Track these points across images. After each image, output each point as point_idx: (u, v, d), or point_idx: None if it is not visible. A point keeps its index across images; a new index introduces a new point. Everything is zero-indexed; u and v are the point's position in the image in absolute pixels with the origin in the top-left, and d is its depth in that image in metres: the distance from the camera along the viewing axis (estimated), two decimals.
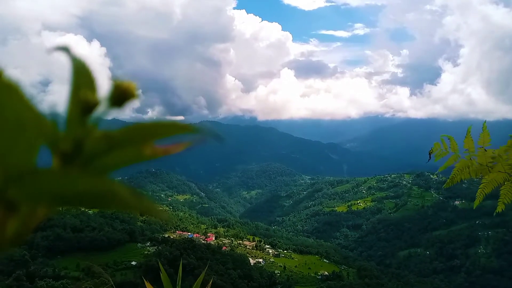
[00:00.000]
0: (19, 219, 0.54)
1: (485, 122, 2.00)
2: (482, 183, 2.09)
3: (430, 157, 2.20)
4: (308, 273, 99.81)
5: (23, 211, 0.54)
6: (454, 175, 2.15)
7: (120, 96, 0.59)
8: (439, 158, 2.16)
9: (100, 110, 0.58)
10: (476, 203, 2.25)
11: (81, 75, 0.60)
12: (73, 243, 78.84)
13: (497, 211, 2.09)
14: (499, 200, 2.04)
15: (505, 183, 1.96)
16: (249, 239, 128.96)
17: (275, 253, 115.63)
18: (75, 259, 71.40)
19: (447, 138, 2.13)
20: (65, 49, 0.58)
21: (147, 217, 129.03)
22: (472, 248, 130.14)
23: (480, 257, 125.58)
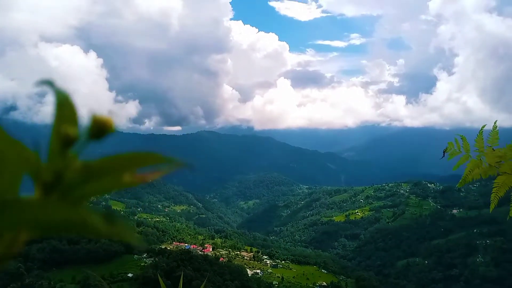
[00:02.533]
0: (1, 245, 0.58)
1: (495, 121, 2.09)
2: (494, 186, 2.10)
3: (444, 154, 2.23)
4: (306, 283, 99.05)
5: (5, 237, 0.58)
6: (466, 175, 2.18)
7: (99, 130, 0.67)
8: (452, 157, 2.21)
9: (80, 142, 0.66)
10: (492, 207, 2.25)
11: (64, 108, 0.65)
12: (69, 255, 78.10)
13: (510, 216, 2.12)
14: (511, 205, 2.07)
15: None
16: (246, 249, 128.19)
17: (273, 263, 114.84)
18: (71, 271, 70.62)
19: (460, 138, 2.18)
20: (49, 83, 0.64)
21: (143, 229, 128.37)
22: (470, 257, 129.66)
23: (478, 266, 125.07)
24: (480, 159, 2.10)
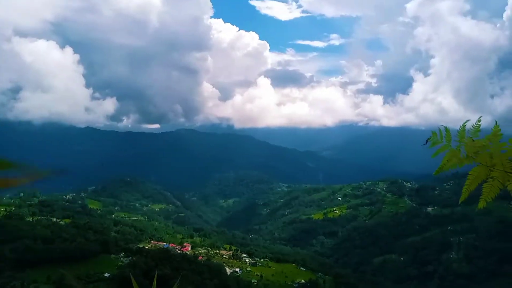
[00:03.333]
0: None
1: (480, 116, 2.20)
2: (469, 178, 2.16)
3: (426, 142, 2.31)
4: (285, 281, 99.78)
5: None
6: (443, 164, 2.26)
7: None
8: (434, 145, 2.28)
9: None
10: (462, 198, 2.34)
11: None
12: (43, 254, 76.27)
13: (478, 208, 2.13)
14: (481, 197, 2.09)
15: (488, 179, 2.05)
16: (225, 248, 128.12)
17: (252, 262, 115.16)
18: (45, 271, 68.98)
19: (444, 128, 2.27)
20: None
21: (120, 228, 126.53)
22: (444, 253, 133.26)
23: (452, 262, 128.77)
24: (459, 149, 2.19)
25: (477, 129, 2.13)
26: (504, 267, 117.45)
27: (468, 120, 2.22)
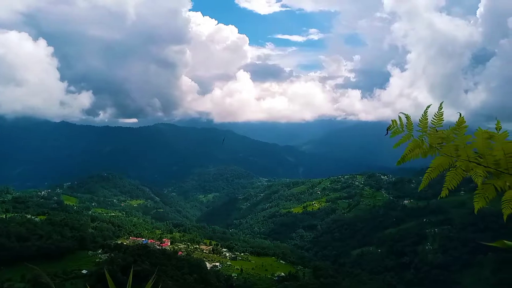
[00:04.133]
0: None
1: (442, 102, 2.13)
2: (429, 167, 2.14)
3: (387, 132, 2.27)
4: (265, 274, 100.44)
5: None
6: (405, 154, 2.21)
7: None
8: (395, 135, 2.24)
9: None
10: (421, 186, 2.32)
11: None
12: (18, 252, 74.26)
13: (441, 196, 2.13)
14: (443, 186, 2.07)
15: (451, 169, 2.04)
16: (205, 243, 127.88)
17: (232, 256, 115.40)
18: (20, 269, 67.16)
19: (404, 116, 2.21)
20: None
21: (97, 224, 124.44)
22: (420, 245, 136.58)
23: (427, 253, 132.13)
24: (422, 139, 2.14)
25: (439, 118, 2.09)
26: (477, 256, 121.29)
27: (430, 105, 2.17)
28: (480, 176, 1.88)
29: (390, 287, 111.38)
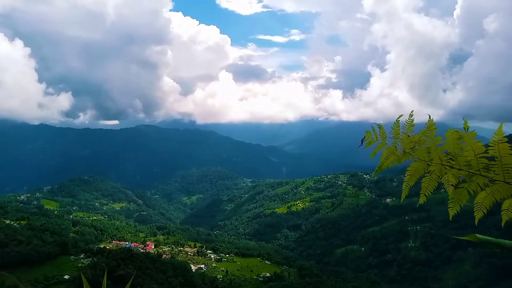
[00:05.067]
0: None
1: (412, 111, 2.12)
2: (407, 175, 2.15)
3: (362, 143, 2.29)
4: (250, 275, 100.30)
5: None
6: (381, 163, 2.23)
7: None
8: (369, 145, 2.25)
9: None
10: (403, 196, 2.31)
11: None
12: None
13: (419, 203, 2.22)
14: (420, 192, 2.08)
15: (426, 175, 2.04)
16: (190, 245, 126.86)
17: (217, 258, 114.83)
18: None
19: (377, 126, 2.22)
20: None
21: (79, 228, 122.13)
22: (402, 242, 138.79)
23: (410, 250, 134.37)
24: (396, 146, 2.14)
25: (410, 124, 2.08)
26: (457, 252, 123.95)
27: (401, 115, 2.15)
28: (452, 185, 1.87)
29: (374, 285, 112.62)
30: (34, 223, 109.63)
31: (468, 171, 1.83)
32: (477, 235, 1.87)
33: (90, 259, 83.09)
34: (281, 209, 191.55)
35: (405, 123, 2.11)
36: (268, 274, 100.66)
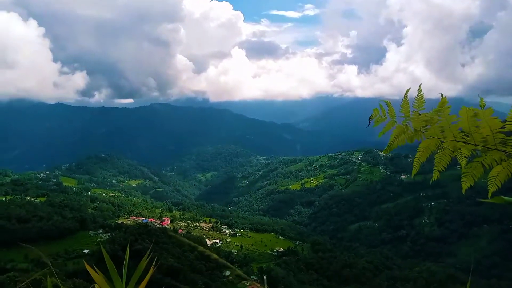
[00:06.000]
0: None
1: (420, 85, 2.05)
2: (418, 151, 2.11)
3: (369, 122, 2.23)
4: (264, 250, 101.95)
5: None
6: (391, 142, 2.18)
7: None
8: (377, 124, 2.20)
9: None
10: (413, 172, 2.26)
11: None
12: (19, 234, 74.73)
13: (432, 180, 2.14)
14: (434, 168, 2.03)
15: (438, 150, 1.99)
16: (205, 221, 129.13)
17: (232, 233, 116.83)
18: (22, 250, 67.80)
19: (385, 104, 2.17)
20: None
21: (97, 204, 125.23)
22: (416, 218, 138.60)
23: (424, 226, 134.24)
24: (406, 124, 2.09)
25: (420, 101, 2.02)
26: (472, 229, 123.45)
27: (409, 89, 2.09)
28: (465, 157, 1.84)
29: (387, 260, 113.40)
30: (53, 200, 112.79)
31: (485, 146, 1.80)
32: (503, 197, 1.78)
33: (108, 234, 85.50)
34: (295, 186, 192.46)
35: (415, 101, 2.04)
36: (281, 249, 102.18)
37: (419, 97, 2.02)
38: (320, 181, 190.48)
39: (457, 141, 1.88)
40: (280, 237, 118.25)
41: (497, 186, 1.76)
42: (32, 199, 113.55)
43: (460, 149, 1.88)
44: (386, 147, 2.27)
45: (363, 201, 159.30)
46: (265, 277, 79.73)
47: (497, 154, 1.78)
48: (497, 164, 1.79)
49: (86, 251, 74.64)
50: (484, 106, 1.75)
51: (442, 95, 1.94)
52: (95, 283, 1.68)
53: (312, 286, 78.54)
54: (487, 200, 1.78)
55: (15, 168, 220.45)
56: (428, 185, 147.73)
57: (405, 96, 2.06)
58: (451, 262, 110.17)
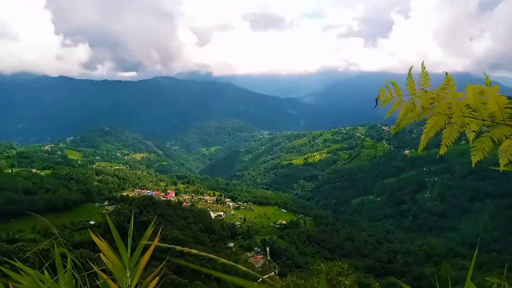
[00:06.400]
0: None
1: (423, 62, 2.04)
2: (425, 127, 2.08)
3: (376, 103, 2.17)
4: (268, 223, 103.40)
5: None
6: (399, 120, 2.14)
7: None
8: (385, 104, 2.14)
9: None
10: (420, 147, 2.20)
11: None
12: (26, 205, 76.01)
13: (439, 154, 2.08)
14: (441, 143, 2.01)
15: (446, 126, 1.98)
16: (209, 194, 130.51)
17: (235, 206, 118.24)
18: (30, 221, 69.10)
19: (391, 84, 2.14)
20: None
21: (102, 177, 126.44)
22: (419, 193, 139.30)
23: (426, 201, 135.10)
24: (413, 102, 2.07)
25: (425, 78, 2.01)
26: (475, 204, 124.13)
27: (412, 67, 2.07)
28: (473, 131, 1.86)
29: (389, 234, 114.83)
30: (59, 172, 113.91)
31: (493, 122, 1.81)
32: None
33: (113, 206, 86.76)
34: (298, 161, 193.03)
35: (420, 78, 2.02)
36: (284, 222, 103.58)
37: (423, 74, 2.01)
38: (324, 155, 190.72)
39: (465, 116, 1.89)
40: (283, 210, 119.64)
41: (508, 159, 1.77)
42: (38, 172, 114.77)
43: (468, 124, 1.89)
44: (394, 125, 2.23)
45: (366, 175, 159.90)
46: (268, 248, 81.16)
47: (506, 128, 1.80)
48: (506, 139, 1.81)
49: (92, 222, 75.97)
50: (490, 84, 1.76)
51: (446, 73, 1.94)
52: (101, 253, 1.73)
53: (314, 258, 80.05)
54: (503, 169, 1.80)
55: (20, 141, 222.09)
56: (432, 160, 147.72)
57: (409, 74, 2.05)
58: (452, 236, 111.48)
